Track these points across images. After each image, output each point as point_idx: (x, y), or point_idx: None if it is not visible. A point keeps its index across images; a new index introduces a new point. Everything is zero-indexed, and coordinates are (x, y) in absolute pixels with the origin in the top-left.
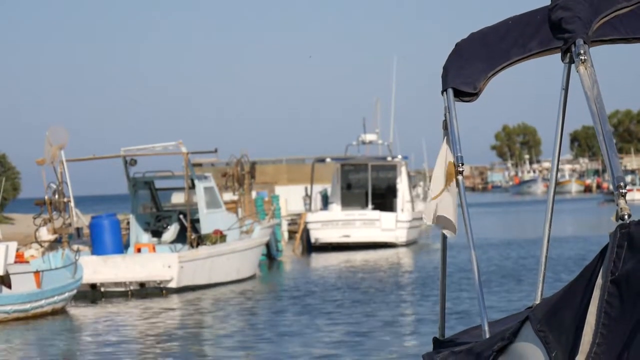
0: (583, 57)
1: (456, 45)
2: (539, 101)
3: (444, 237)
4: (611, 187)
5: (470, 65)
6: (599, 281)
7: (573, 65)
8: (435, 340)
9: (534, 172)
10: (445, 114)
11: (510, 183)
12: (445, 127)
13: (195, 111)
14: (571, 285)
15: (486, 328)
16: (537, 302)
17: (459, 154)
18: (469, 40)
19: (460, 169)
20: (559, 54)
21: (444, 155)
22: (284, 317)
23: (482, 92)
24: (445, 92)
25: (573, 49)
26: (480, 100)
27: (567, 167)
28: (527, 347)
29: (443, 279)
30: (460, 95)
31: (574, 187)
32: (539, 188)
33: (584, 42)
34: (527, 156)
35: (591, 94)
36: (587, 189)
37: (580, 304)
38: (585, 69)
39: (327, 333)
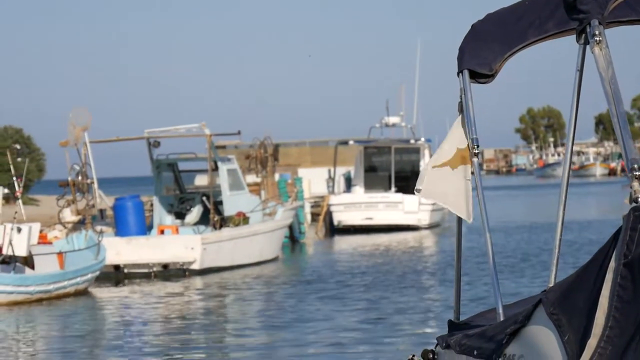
0: (598, 38)
1: (472, 26)
2: (563, 84)
3: (459, 221)
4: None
5: (486, 47)
6: (612, 264)
7: (588, 47)
8: (450, 322)
9: (559, 155)
10: (460, 96)
11: (535, 166)
12: (461, 109)
13: (219, 94)
14: (584, 269)
15: (500, 311)
16: (551, 285)
17: (474, 136)
18: (485, 21)
19: (476, 151)
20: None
21: (456, 133)
22: (305, 299)
23: (498, 73)
24: (461, 74)
25: (588, 30)
26: (505, 83)
27: (591, 150)
28: (539, 330)
29: (458, 262)
30: (476, 76)
31: (599, 170)
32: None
33: (599, 23)
34: (551, 139)
35: (606, 75)
36: (612, 172)
37: (593, 287)
38: (600, 50)
39: (345, 317)
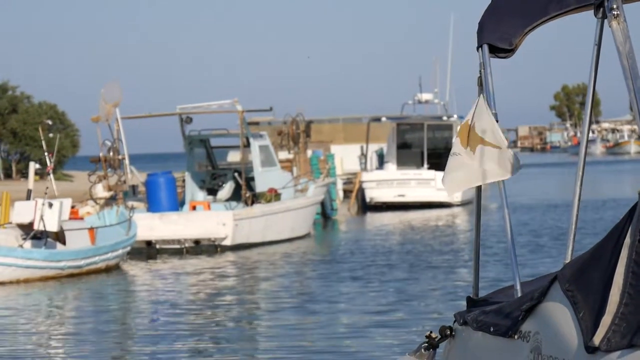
0: (616, 12)
1: (492, 0)
2: (606, 62)
3: (479, 197)
4: None
5: (506, 21)
6: (627, 241)
7: (606, 21)
8: (468, 299)
9: (593, 132)
10: (480, 71)
11: (569, 143)
12: (480, 84)
13: (254, 70)
14: (600, 245)
15: (518, 287)
16: (567, 261)
17: (493, 111)
18: None
19: None
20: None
21: (481, 111)
22: (334, 277)
23: (518, 48)
24: (480, 48)
25: (606, 4)
26: (540, 59)
27: (626, 128)
28: (555, 306)
29: (477, 239)
30: (496, 51)
31: (633, 147)
32: (597, 149)
33: None
34: None
35: (623, 50)
36: None
37: (608, 263)
38: (618, 24)
39: (372, 296)
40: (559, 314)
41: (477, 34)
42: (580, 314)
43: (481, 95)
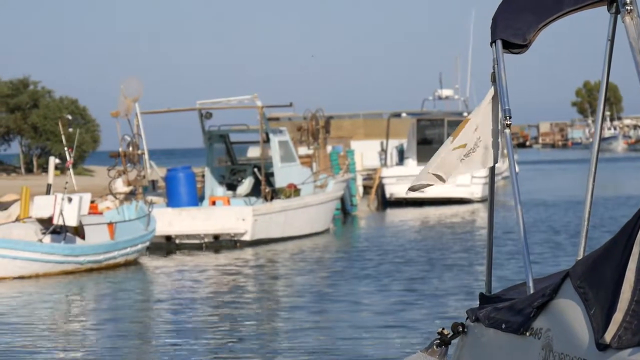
0: (629, 7)
1: None
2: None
3: (491, 194)
4: None
5: (520, 17)
6: (639, 237)
7: (619, 16)
8: (481, 296)
9: (615, 129)
10: (493, 66)
11: (591, 140)
12: (494, 80)
13: (274, 66)
14: (611, 242)
15: (531, 284)
16: (579, 258)
17: (506, 107)
18: None
19: (508, 122)
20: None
21: (486, 106)
22: (351, 273)
23: (532, 43)
24: (494, 44)
25: None
26: (562, 56)
27: None
28: (566, 303)
29: (490, 235)
30: (509, 46)
31: None
32: (619, 145)
33: None
34: (608, 113)
35: (636, 45)
36: None
37: (619, 260)
38: (631, 19)
39: (388, 294)
40: (570, 311)
41: (491, 29)
42: (591, 311)
43: (491, 88)
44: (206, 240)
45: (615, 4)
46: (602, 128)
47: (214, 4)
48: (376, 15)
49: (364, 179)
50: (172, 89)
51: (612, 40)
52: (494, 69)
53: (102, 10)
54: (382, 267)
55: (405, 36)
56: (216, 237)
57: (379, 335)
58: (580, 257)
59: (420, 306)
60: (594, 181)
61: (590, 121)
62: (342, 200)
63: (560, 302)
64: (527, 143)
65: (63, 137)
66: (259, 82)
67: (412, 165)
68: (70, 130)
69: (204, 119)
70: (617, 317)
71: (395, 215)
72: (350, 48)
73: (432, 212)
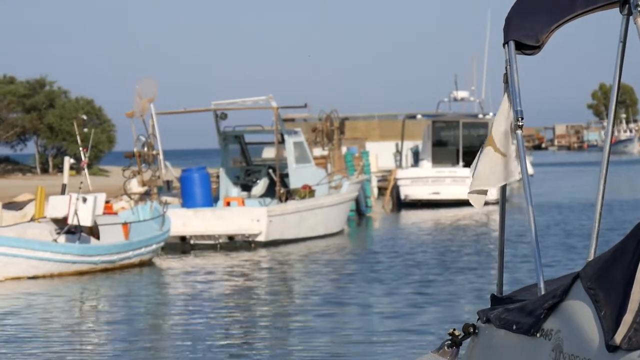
0: None
1: None
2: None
3: (503, 195)
4: None
5: (533, 18)
6: None
7: (632, 18)
8: (492, 297)
9: (631, 131)
10: (506, 67)
11: None
12: (506, 81)
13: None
14: (622, 244)
15: (542, 285)
16: (590, 260)
17: (518, 108)
18: None
19: (520, 123)
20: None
21: (506, 110)
22: (364, 275)
23: (545, 45)
24: (506, 45)
25: (631, 1)
26: (578, 58)
27: None
28: (577, 304)
29: (501, 237)
30: (522, 48)
31: None
32: (635, 148)
33: None
34: (623, 115)
35: None
36: None
37: (630, 262)
38: None
39: (401, 296)
40: (580, 312)
41: (504, 30)
42: (601, 313)
43: (505, 94)
44: (221, 240)
45: (627, 6)
46: (614, 130)
47: (232, 5)
48: (389, 16)
49: (379, 181)
50: (185, 90)
51: (624, 42)
52: (506, 70)
53: (117, 11)
54: (394, 269)
55: (419, 36)
56: (231, 237)
57: (390, 339)
58: (590, 258)
59: (432, 309)
60: (604, 183)
61: (606, 123)
62: (357, 201)
63: (571, 304)
64: (543, 145)
65: (78, 137)
66: (273, 83)
67: (427, 167)
68: (86, 130)
69: (219, 119)
70: (627, 318)
71: (409, 217)
72: (365, 49)
73: (447, 214)
